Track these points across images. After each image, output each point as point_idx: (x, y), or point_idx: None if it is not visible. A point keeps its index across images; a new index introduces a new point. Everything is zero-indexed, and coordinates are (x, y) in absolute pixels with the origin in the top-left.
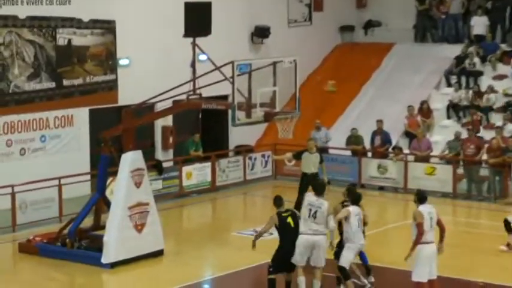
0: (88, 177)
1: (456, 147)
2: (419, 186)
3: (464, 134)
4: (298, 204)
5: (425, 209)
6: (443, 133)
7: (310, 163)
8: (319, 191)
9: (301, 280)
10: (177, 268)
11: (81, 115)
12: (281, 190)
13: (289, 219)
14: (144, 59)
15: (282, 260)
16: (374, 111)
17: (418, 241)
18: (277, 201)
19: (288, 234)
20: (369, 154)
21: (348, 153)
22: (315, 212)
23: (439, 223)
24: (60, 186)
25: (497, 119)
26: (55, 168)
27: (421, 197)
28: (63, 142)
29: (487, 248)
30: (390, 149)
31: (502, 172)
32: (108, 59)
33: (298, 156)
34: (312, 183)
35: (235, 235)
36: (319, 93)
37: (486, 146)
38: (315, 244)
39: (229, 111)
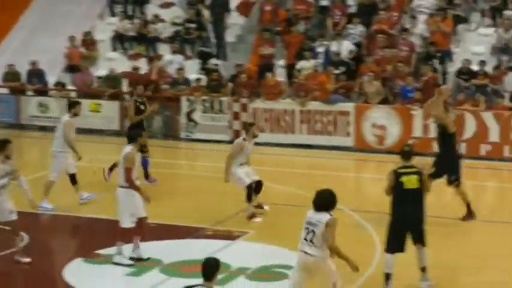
0: None
1: (114, 84)
2: (85, 125)
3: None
4: None
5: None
6: (109, 66)
7: None
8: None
9: None
10: None
11: None
12: None
13: None
14: None
15: None
16: (34, 44)
17: None
18: None
19: None
20: (29, 92)
21: (5, 91)
22: None
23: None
24: None
25: (165, 49)
26: None
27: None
28: None
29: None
30: (52, 85)
31: (171, 107)
32: None
33: None
34: None
35: None
36: None
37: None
38: None
39: None
